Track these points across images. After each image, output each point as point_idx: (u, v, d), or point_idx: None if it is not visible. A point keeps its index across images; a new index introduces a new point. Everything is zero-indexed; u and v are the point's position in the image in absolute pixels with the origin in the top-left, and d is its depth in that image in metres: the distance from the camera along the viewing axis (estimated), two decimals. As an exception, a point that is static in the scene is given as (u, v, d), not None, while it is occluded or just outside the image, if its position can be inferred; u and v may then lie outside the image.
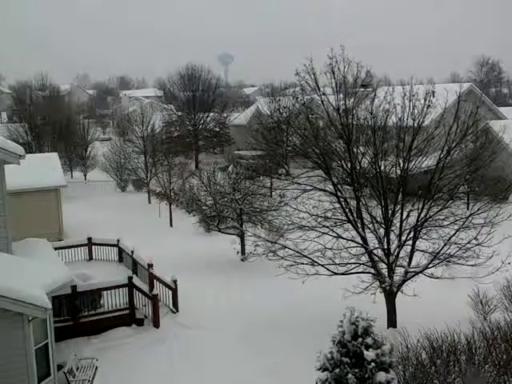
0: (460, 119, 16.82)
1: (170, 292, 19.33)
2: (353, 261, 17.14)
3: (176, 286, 19.16)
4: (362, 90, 19.50)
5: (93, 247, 24.47)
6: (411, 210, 17.05)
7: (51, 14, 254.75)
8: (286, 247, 17.63)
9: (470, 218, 16.47)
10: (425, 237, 17.19)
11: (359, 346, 9.66)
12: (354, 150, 17.55)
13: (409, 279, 17.24)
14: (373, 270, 17.24)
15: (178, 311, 19.20)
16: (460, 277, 16.76)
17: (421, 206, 16.82)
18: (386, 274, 17.12)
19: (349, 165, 17.44)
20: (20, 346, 12.23)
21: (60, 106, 68.30)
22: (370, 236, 17.24)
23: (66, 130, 55.25)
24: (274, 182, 30.87)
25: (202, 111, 62.52)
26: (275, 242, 18.19)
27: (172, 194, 34.72)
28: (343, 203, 17.28)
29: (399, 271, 17.32)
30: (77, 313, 17.32)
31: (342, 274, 17.22)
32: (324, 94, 17.55)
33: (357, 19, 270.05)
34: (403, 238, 17.04)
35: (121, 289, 18.14)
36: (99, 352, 16.18)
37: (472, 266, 16.33)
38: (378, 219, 17.17)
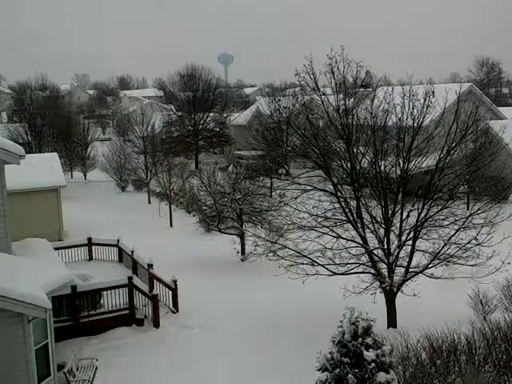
0: (460, 119, 16.82)
1: (170, 292, 19.32)
2: (353, 261, 17.15)
3: (176, 286, 19.15)
4: (361, 90, 19.49)
5: (93, 247, 24.48)
6: (411, 210, 17.05)
7: (51, 15, 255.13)
8: (286, 247, 17.64)
9: (470, 218, 16.48)
10: (425, 237, 17.19)
11: (359, 346, 9.66)
12: (354, 150, 17.54)
13: (409, 279, 17.25)
14: (373, 270, 17.24)
15: (177, 311, 19.19)
16: (460, 277, 16.76)
17: (421, 206, 16.83)
18: (386, 274, 17.12)
19: (349, 165, 17.44)
20: (20, 346, 12.22)
21: (60, 106, 68.32)
22: (370, 236, 17.24)
23: (66, 130, 55.28)
24: (274, 182, 30.93)
25: (202, 111, 62.55)
26: (275, 242, 18.20)
27: (172, 193, 34.72)
28: (343, 203, 17.28)
29: (399, 271, 17.32)
30: (77, 313, 17.31)
31: (342, 274, 17.22)
32: (324, 94, 17.55)
33: (357, 19, 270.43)
34: (403, 238, 17.04)
35: (121, 289, 18.12)
36: (99, 352, 16.18)
37: (472, 266, 16.34)
38: (378, 219, 17.16)
